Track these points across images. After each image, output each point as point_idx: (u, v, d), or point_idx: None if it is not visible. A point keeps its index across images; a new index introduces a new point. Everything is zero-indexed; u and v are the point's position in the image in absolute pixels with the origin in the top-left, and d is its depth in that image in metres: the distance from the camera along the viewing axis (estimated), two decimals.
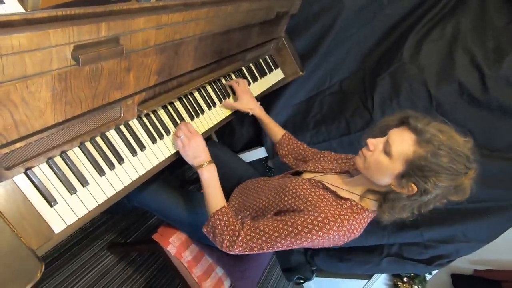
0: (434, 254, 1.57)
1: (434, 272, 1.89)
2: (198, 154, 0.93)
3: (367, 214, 0.86)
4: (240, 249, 0.85)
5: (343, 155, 1.10)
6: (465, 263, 1.77)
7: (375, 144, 0.83)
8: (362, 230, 0.86)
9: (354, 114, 1.56)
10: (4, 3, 0.56)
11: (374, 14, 1.48)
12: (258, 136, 1.95)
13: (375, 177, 0.83)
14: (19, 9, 0.57)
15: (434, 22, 1.39)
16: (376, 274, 2.02)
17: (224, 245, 0.86)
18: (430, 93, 1.35)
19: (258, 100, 1.28)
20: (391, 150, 0.78)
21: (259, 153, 1.96)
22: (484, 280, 1.73)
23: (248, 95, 1.23)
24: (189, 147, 0.93)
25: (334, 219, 0.80)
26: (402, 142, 0.77)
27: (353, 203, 0.86)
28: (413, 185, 0.75)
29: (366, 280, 2.10)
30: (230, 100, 1.22)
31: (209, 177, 0.93)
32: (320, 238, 0.80)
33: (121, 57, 0.65)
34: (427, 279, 1.91)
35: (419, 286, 1.91)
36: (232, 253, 0.87)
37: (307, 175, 1.04)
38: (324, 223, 0.79)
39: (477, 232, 1.38)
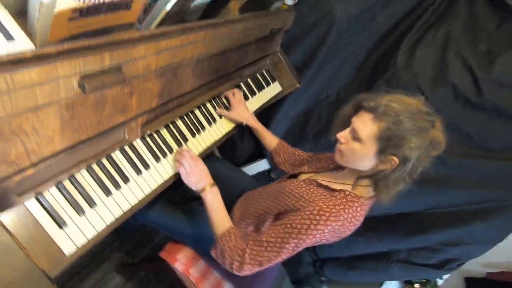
0: (443, 258, 1.56)
1: (446, 276, 1.87)
2: (201, 179, 0.96)
3: (362, 201, 0.87)
4: (250, 266, 0.86)
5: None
6: (477, 266, 1.75)
7: (344, 136, 0.88)
8: (362, 218, 0.88)
9: None
10: (15, 39, 0.61)
11: (366, 24, 1.53)
12: (259, 149, 1.97)
13: (357, 165, 0.87)
14: (29, 43, 0.61)
15: (425, 28, 1.43)
16: (386, 282, 2.00)
17: (234, 267, 0.87)
18: (426, 98, 1.37)
19: (256, 114, 1.31)
20: (359, 135, 0.82)
21: (262, 165, 1.98)
22: (498, 283, 1.71)
23: (241, 105, 1.27)
24: (192, 174, 0.95)
25: (329, 209, 0.82)
26: (365, 124, 0.82)
27: (347, 192, 0.87)
28: (393, 157, 0.79)
29: None
30: (224, 110, 1.26)
31: (213, 199, 0.95)
32: (321, 231, 0.81)
33: (123, 83, 0.69)
34: (439, 284, 1.89)
35: None
36: (243, 273, 0.87)
37: (302, 177, 1.07)
38: (320, 215, 0.81)
39: (482, 233, 1.37)
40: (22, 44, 0.60)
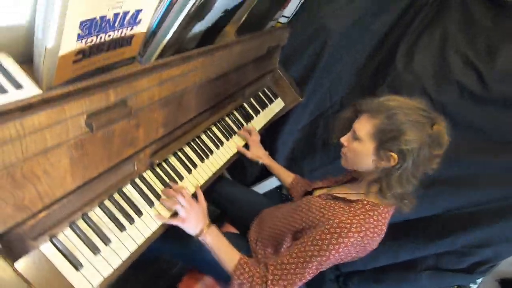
0: (473, 261, 1.48)
1: (479, 280, 1.77)
2: (198, 222, 0.90)
3: (382, 209, 0.85)
4: None
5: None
6: (511, 267, 1.66)
7: (346, 139, 0.91)
8: (384, 227, 0.86)
9: None
10: (23, 87, 0.62)
11: (361, 33, 1.54)
12: None
13: (360, 165, 0.88)
14: (36, 89, 0.63)
15: (420, 29, 1.44)
16: None
17: None
18: (431, 97, 1.36)
19: (262, 132, 1.32)
20: (359, 135, 0.85)
21: (272, 182, 1.96)
22: None
23: (257, 146, 1.33)
24: (189, 221, 0.89)
25: (349, 221, 0.80)
26: (363, 124, 0.86)
27: (364, 202, 0.86)
28: (391, 153, 0.80)
29: None
30: (243, 148, 1.31)
31: (213, 238, 0.91)
32: (343, 245, 0.79)
33: (129, 117, 0.70)
34: None
35: None
36: None
37: (317, 193, 1.06)
38: (341, 227, 0.79)
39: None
40: (30, 90, 0.61)
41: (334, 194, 0.94)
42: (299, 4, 1.55)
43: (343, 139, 0.91)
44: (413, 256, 1.55)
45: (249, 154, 1.29)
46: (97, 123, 0.60)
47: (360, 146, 0.85)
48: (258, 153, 1.31)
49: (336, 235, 0.79)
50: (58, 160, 0.59)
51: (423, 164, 0.81)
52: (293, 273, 0.81)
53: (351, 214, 0.82)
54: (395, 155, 0.79)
